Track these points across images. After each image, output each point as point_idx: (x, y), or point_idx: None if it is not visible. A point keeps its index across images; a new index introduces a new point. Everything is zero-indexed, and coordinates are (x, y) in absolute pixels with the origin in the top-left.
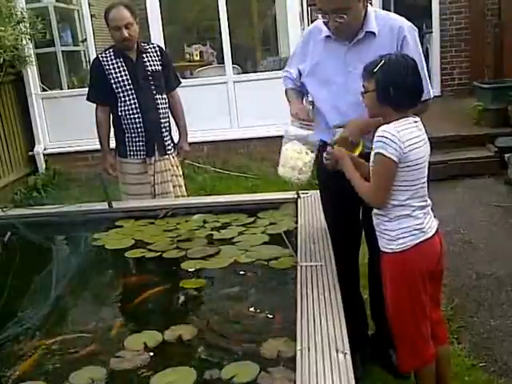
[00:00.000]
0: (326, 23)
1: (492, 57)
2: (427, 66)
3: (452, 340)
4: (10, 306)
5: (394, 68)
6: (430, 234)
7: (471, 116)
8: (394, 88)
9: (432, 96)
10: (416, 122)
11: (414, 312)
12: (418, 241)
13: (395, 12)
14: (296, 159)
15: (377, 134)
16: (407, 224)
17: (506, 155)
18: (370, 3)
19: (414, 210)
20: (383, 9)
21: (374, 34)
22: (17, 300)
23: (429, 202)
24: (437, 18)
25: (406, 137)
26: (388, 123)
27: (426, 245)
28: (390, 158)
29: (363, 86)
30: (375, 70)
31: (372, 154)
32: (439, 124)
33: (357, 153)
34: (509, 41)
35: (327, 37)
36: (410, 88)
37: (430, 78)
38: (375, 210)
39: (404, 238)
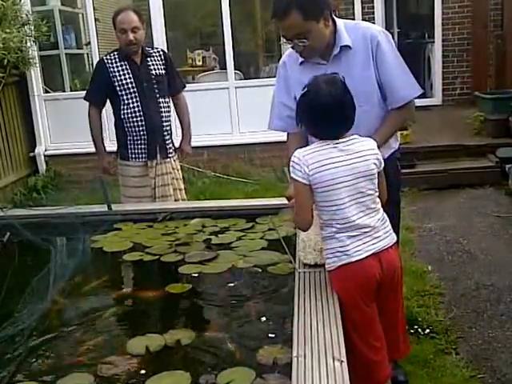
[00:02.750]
0: (293, 48)
1: (494, 67)
2: (429, 76)
3: (450, 350)
4: (5, 306)
5: (310, 102)
6: (357, 258)
7: (472, 126)
8: (306, 123)
9: (418, 93)
10: (343, 142)
11: (358, 330)
12: (340, 263)
13: (398, 22)
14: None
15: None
16: (331, 246)
17: (507, 166)
18: (338, 16)
19: (336, 232)
20: (385, 18)
21: (349, 46)
22: (12, 301)
23: (360, 224)
24: (439, 27)
25: (312, 160)
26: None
27: (353, 267)
28: (297, 180)
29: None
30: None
31: None
32: (440, 133)
33: None
34: (511, 51)
35: (302, 62)
36: (322, 124)
37: (431, 88)
38: None
39: (329, 258)
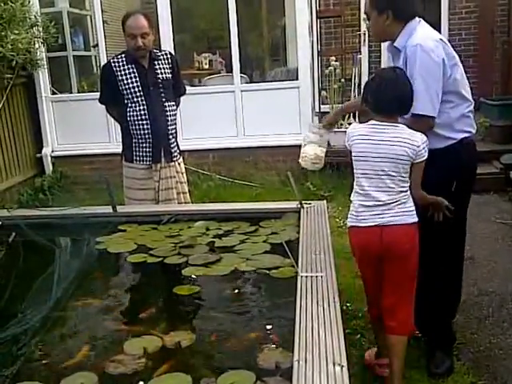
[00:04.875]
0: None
1: (500, 74)
2: None
3: (452, 356)
4: (9, 306)
5: (377, 81)
6: (362, 225)
7: (477, 132)
8: (371, 97)
9: (428, 114)
10: (381, 126)
11: (363, 277)
12: (350, 224)
13: None
14: (314, 153)
15: None
16: (351, 208)
17: (511, 172)
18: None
19: (355, 196)
20: None
21: (397, 49)
22: (17, 301)
23: (373, 195)
24: (445, 33)
25: (354, 133)
26: (367, 121)
27: (357, 230)
28: (346, 146)
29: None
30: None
31: None
32: None
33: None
34: None
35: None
36: (383, 101)
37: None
38: None
39: (349, 217)
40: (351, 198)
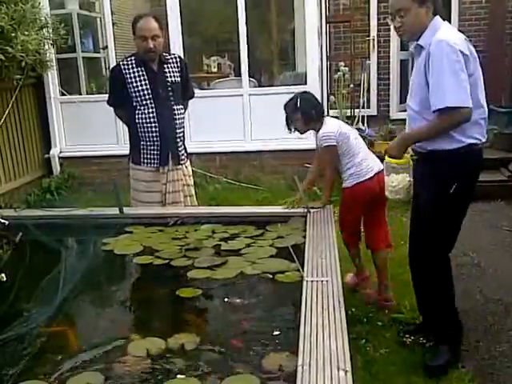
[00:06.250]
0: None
1: (509, 81)
2: None
3: (457, 364)
4: (15, 305)
5: (308, 96)
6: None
7: (486, 140)
8: (313, 110)
9: (463, 105)
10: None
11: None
12: (356, 181)
13: None
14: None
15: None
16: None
17: None
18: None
19: (351, 167)
20: None
21: (421, 46)
22: (23, 300)
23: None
24: None
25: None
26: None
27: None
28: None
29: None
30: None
31: None
32: None
33: (402, 162)
34: None
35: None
36: (318, 106)
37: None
38: None
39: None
40: (346, 174)
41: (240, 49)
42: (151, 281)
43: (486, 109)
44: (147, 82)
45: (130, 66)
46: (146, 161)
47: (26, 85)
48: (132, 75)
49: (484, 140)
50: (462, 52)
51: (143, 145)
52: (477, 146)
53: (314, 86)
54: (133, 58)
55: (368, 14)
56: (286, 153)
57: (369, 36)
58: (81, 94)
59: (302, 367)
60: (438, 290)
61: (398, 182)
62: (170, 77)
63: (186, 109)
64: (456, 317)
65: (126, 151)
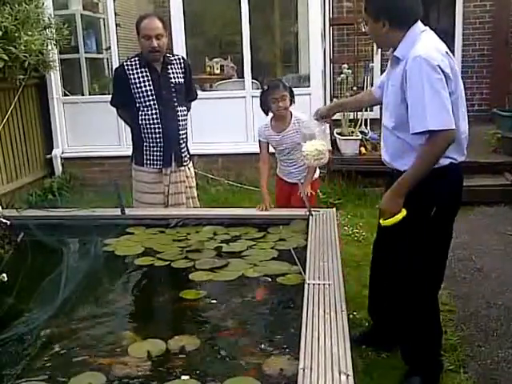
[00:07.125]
0: None
1: None
2: None
3: (458, 369)
4: (16, 305)
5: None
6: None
7: (489, 143)
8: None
9: (448, 128)
10: None
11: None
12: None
13: None
14: (314, 149)
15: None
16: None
17: None
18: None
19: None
20: None
21: (398, 58)
22: (24, 300)
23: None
24: (459, 43)
25: None
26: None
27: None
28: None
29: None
30: None
31: None
32: None
33: (400, 217)
34: None
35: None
36: None
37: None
38: None
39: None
40: None
41: (243, 51)
42: (152, 282)
43: (467, 127)
44: (151, 82)
45: (134, 67)
46: (148, 162)
47: (28, 85)
48: (136, 76)
49: (463, 159)
50: (441, 69)
51: (146, 146)
52: (454, 165)
53: (317, 88)
54: (136, 58)
55: None
56: None
57: None
58: (83, 95)
59: (304, 370)
60: (423, 334)
61: (315, 147)
62: (174, 78)
63: (188, 110)
64: (438, 355)
65: (128, 152)
